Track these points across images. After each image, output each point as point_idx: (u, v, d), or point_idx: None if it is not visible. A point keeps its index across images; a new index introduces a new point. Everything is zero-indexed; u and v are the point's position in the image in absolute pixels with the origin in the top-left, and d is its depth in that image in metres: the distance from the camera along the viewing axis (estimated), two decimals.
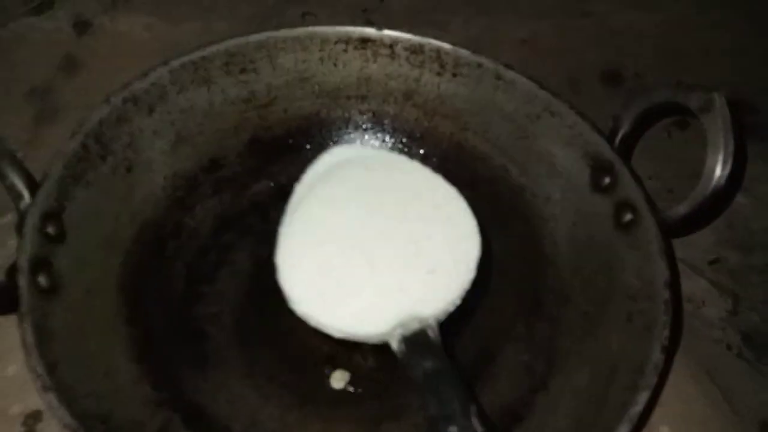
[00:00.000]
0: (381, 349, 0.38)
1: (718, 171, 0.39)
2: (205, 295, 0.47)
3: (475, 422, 0.32)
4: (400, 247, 0.38)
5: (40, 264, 0.36)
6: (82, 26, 0.72)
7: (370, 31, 0.51)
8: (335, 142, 0.54)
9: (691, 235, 0.59)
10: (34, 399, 0.42)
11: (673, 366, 0.49)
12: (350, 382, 0.44)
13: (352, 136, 0.55)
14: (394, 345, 0.36)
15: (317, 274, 0.37)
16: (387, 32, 0.51)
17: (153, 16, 0.73)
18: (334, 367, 0.45)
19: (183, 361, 0.43)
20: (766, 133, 0.69)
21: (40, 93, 0.66)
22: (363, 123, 0.54)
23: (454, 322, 0.47)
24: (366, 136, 0.54)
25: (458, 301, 0.38)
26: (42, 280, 0.36)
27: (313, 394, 0.44)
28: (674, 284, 0.39)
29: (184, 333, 0.45)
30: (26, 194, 0.38)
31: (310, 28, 0.51)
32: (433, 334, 0.35)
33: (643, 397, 0.34)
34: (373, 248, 0.37)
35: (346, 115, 0.54)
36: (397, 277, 0.37)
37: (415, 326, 0.36)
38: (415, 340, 0.35)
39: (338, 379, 0.45)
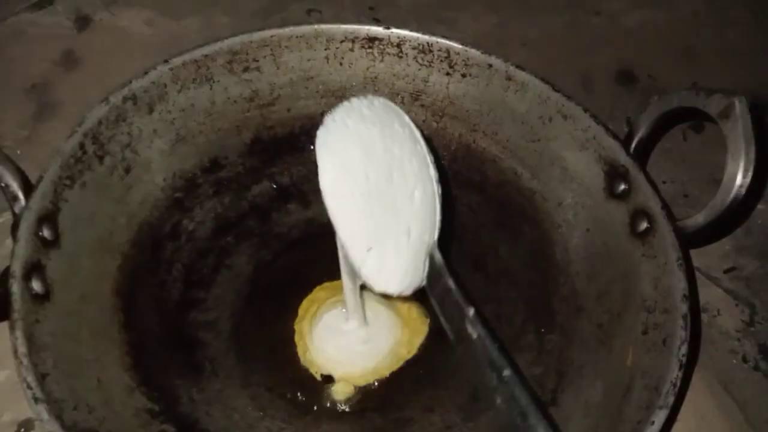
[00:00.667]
0: None
1: (738, 180, 0.37)
2: (203, 301, 0.46)
3: (469, 327, 0.32)
4: (404, 194, 0.37)
5: (34, 269, 0.35)
6: (82, 21, 0.71)
7: (377, 30, 0.49)
8: None
9: None
10: (26, 406, 0.41)
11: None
12: (352, 395, 0.43)
13: None
14: (425, 283, 0.37)
15: (381, 255, 0.36)
16: (395, 31, 0.49)
17: (154, 10, 0.72)
18: (337, 379, 0.44)
19: (178, 370, 0.42)
20: None
21: (40, 89, 0.65)
22: None
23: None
24: None
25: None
26: (35, 285, 0.35)
27: (313, 405, 0.42)
28: (693, 297, 0.37)
29: (180, 341, 0.43)
30: (21, 196, 0.37)
31: (316, 26, 0.49)
32: (437, 256, 0.36)
33: (660, 417, 0.33)
34: (396, 208, 0.36)
35: None
36: (416, 225, 0.36)
37: (428, 261, 0.36)
38: (431, 272, 0.36)
39: (340, 392, 0.43)
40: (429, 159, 0.37)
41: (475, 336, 0.32)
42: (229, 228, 0.49)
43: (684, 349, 0.35)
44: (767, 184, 0.61)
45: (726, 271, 0.57)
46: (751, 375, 0.51)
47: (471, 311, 0.33)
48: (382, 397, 0.43)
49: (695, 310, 0.46)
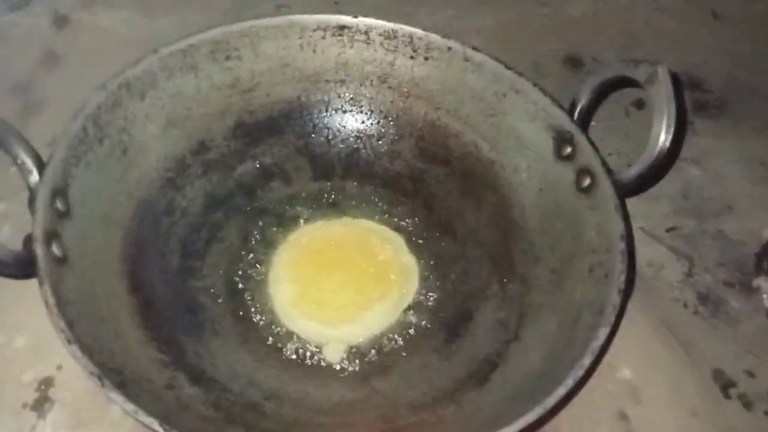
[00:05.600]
0: None
1: (662, 136, 0.44)
2: (199, 269, 0.50)
3: None
4: None
5: (52, 235, 0.39)
6: (60, 21, 0.73)
7: (346, 19, 0.55)
8: (315, 125, 0.58)
9: (650, 206, 0.64)
10: (45, 366, 0.45)
11: (635, 320, 0.54)
12: (342, 350, 0.48)
13: (331, 119, 0.58)
14: None
15: None
16: (362, 20, 0.54)
17: (131, 10, 0.75)
18: (328, 339, 0.48)
19: (182, 329, 0.46)
20: (715, 111, 0.75)
21: (23, 88, 0.67)
22: (342, 106, 0.58)
23: (433, 287, 0.52)
24: (345, 118, 0.58)
25: None
26: (55, 249, 0.39)
27: (307, 358, 0.47)
28: (629, 237, 0.43)
29: (181, 304, 0.47)
30: (35, 171, 0.40)
31: (291, 17, 0.54)
32: None
33: (603, 333, 0.38)
34: None
35: (326, 98, 0.57)
36: None
37: None
38: None
39: (332, 348, 0.48)
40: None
41: None
42: (219, 204, 0.54)
43: (622, 278, 0.41)
44: (697, 153, 0.67)
45: (668, 230, 0.63)
46: (691, 319, 0.57)
47: None
48: (368, 350, 0.48)
49: (631, 247, 0.52)
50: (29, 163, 0.40)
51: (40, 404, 0.44)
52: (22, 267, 0.37)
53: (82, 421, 0.44)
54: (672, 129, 0.43)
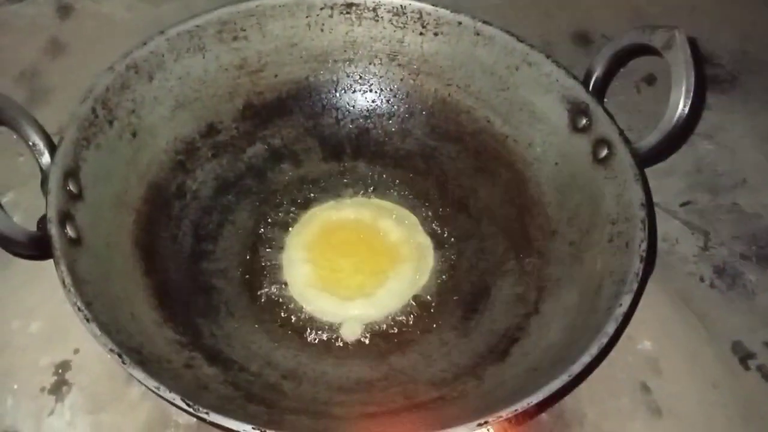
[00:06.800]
0: None
1: (681, 102, 0.43)
2: (212, 252, 0.50)
3: None
4: None
5: (66, 217, 0.39)
6: (64, 10, 0.73)
7: None
8: (324, 105, 0.57)
9: (663, 181, 0.63)
10: (62, 350, 0.45)
11: (652, 294, 0.53)
12: (359, 329, 0.47)
13: (340, 98, 0.57)
14: None
15: None
16: None
17: None
18: (345, 318, 0.48)
19: (197, 311, 0.46)
20: (727, 85, 0.74)
21: (29, 76, 0.67)
22: (351, 85, 0.57)
23: (448, 265, 0.51)
24: (354, 98, 0.57)
25: None
26: (69, 230, 0.38)
27: (323, 337, 0.47)
28: (649, 205, 0.43)
29: (196, 286, 0.47)
30: (47, 153, 0.40)
31: None
32: None
33: (626, 300, 0.38)
34: None
35: (334, 78, 0.57)
36: None
37: None
38: None
39: (348, 328, 0.47)
40: None
41: None
42: (229, 187, 0.53)
43: (644, 246, 0.40)
44: (710, 127, 0.67)
45: (682, 205, 0.62)
46: (708, 292, 0.57)
47: None
48: (385, 328, 0.48)
49: (651, 215, 0.52)
50: (41, 144, 0.40)
51: (58, 388, 0.44)
52: (37, 247, 0.37)
53: (100, 403, 0.43)
54: (691, 95, 0.42)
